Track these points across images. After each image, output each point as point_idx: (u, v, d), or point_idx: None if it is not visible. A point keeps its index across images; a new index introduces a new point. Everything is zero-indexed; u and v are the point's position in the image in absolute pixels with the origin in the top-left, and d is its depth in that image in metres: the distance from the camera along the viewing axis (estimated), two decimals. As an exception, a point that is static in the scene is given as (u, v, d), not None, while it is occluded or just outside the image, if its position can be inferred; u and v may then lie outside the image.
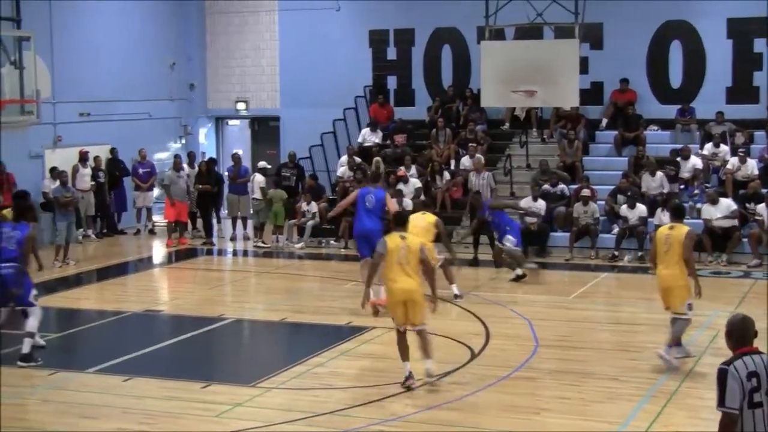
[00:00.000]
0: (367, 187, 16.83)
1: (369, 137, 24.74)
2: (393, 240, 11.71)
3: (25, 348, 12.79)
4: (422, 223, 16.25)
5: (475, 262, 19.88)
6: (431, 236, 16.32)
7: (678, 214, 12.89)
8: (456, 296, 16.63)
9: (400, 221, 12.28)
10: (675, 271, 12.28)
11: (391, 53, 26.24)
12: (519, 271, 18.20)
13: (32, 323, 12.85)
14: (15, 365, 12.81)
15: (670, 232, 12.41)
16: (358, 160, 23.47)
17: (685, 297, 12.32)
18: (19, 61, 17.29)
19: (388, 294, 11.84)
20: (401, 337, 11.69)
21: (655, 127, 23.49)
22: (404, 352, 11.64)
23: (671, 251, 12.28)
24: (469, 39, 24.91)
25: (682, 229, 12.39)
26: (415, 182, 21.79)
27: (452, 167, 23.00)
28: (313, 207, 22.57)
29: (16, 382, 12.33)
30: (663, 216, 18.55)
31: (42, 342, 13.41)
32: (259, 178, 23.14)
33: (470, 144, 22.86)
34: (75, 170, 23.10)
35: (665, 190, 20.88)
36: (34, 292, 13.00)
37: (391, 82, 26.28)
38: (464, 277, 18.27)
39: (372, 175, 18.37)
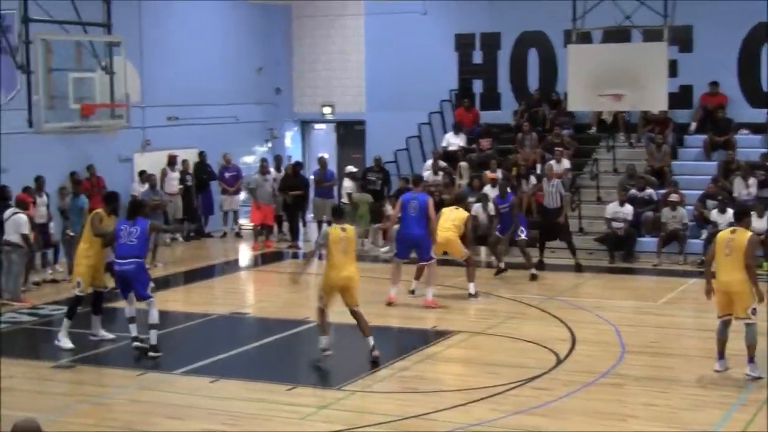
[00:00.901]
0: (410, 192, 16.87)
1: (453, 141, 24.68)
2: (334, 232, 12.89)
3: (153, 339, 13.44)
4: (453, 217, 16.88)
5: (540, 266, 19.57)
6: (460, 231, 16.91)
7: (741, 217, 12.60)
8: (470, 295, 16.98)
9: (338, 215, 13.44)
10: (738, 276, 11.96)
11: (477, 57, 26.15)
12: (502, 265, 18.86)
13: (154, 315, 13.53)
14: (106, 365, 13.14)
15: (732, 236, 12.12)
16: (443, 164, 23.44)
17: (750, 302, 12.00)
18: (110, 66, 17.55)
19: (328, 279, 12.90)
20: (323, 313, 12.96)
21: (746, 131, 23.04)
22: (325, 327, 13.02)
23: (733, 256, 11.98)
24: (556, 42, 24.72)
25: (745, 234, 12.09)
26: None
27: (538, 171, 22.79)
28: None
29: (106, 381, 12.59)
30: (756, 223, 18.14)
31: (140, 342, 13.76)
32: (347, 183, 23.19)
33: (556, 148, 22.64)
34: (163, 174, 23.47)
35: (754, 193, 20.49)
36: (151, 284, 13.82)
37: (477, 85, 26.19)
38: (544, 282, 18.26)
39: (414, 178, 18.36)
